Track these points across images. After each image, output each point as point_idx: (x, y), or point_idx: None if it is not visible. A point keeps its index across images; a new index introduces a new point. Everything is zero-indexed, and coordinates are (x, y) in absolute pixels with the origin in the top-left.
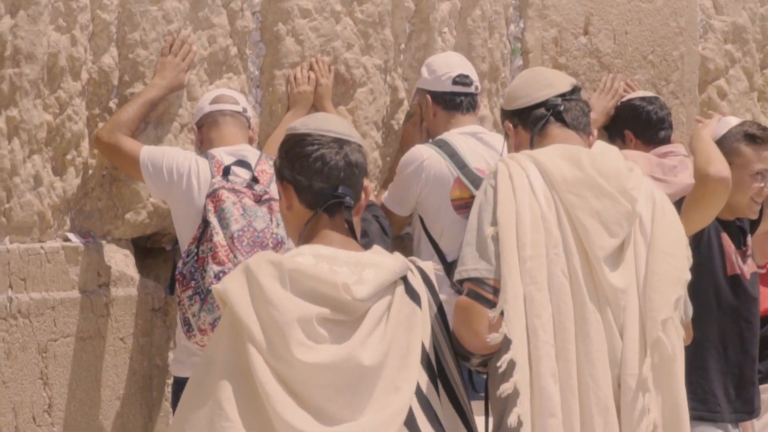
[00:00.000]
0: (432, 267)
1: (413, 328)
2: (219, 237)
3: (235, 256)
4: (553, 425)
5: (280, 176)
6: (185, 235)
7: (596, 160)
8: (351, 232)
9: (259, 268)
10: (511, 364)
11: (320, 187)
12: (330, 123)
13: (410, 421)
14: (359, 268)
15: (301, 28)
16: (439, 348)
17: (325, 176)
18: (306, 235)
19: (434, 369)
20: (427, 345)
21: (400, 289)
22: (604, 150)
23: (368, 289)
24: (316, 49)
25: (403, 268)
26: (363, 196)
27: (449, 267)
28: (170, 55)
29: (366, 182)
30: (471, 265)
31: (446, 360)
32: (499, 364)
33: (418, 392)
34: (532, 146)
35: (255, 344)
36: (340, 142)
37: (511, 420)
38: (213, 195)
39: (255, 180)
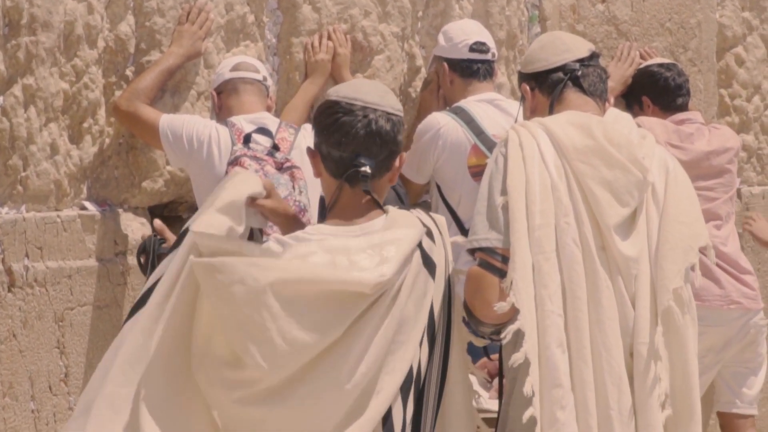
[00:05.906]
0: (444, 221)
1: (424, 304)
2: None
3: None
4: (557, 395)
5: (314, 143)
6: None
7: (608, 128)
8: (372, 201)
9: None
10: (519, 334)
11: (340, 156)
12: (362, 91)
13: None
14: (378, 249)
15: None
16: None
17: (344, 145)
18: (330, 206)
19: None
20: (436, 318)
21: (417, 258)
22: (616, 118)
23: (393, 266)
24: (333, 17)
25: (421, 234)
26: (397, 163)
27: (467, 234)
28: (187, 23)
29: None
30: (482, 235)
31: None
32: (503, 335)
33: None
34: (551, 111)
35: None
36: (366, 110)
37: (526, 389)
38: (235, 162)
39: (276, 148)
